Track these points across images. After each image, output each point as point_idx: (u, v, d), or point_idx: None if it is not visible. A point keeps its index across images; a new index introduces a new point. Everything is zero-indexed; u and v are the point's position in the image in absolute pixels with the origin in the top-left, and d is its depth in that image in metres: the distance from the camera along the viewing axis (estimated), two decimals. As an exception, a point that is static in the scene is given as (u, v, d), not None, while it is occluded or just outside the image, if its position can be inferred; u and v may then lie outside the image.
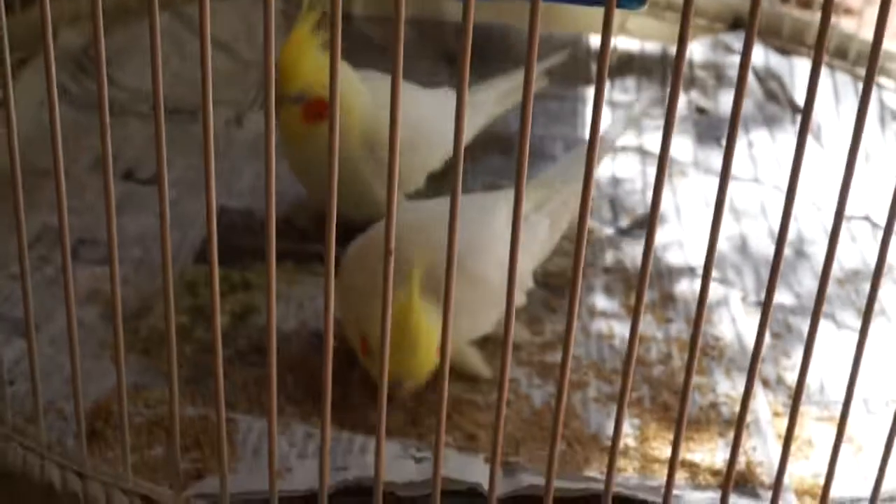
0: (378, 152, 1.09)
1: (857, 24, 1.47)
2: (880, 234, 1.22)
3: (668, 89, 0.55)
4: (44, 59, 0.64)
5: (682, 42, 0.59)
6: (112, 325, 0.98)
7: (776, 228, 1.23)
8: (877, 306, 1.08)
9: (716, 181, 1.43)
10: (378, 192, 1.10)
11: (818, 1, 1.50)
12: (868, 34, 1.48)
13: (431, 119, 1.15)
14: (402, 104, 0.59)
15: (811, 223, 1.23)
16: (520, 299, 0.98)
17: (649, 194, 1.29)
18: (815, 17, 1.50)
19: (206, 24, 0.61)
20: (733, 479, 0.71)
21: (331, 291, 0.64)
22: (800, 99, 1.46)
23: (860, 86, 1.47)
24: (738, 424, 0.70)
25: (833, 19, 1.57)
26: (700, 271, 1.14)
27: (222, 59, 1.45)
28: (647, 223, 1.25)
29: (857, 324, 1.05)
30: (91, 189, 1.20)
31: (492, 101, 1.28)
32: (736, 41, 1.55)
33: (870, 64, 0.61)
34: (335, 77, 0.59)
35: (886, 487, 0.77)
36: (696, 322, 0.66)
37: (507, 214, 0.94)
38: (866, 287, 1.13)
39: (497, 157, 1.35)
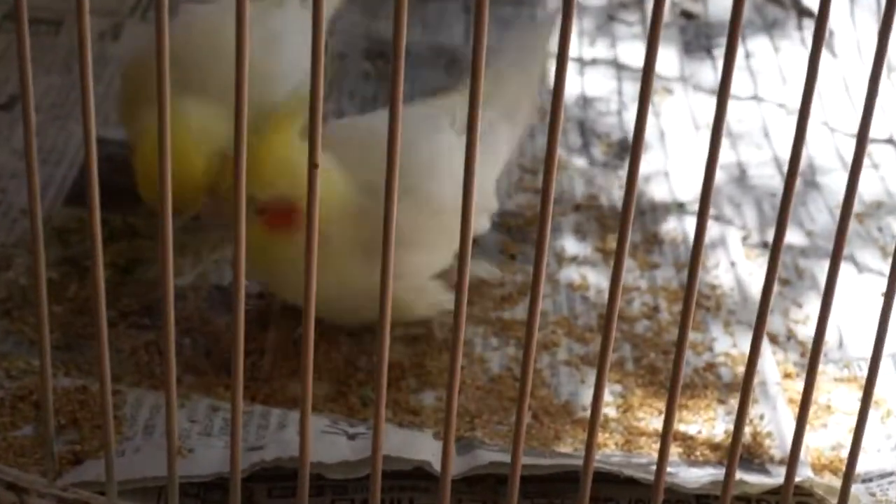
0: None
1: None
2: (907, 159, 1.24)
3: None
4: None
5: None
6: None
7: (781, 154, 1.25)
8: (901, 244, 1.10)
9: (706, 99, 1.46)
10: None
11: None
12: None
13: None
14: None
15: (823, 148, 1.24)
16: (482, 225, 0.97)
17: (626, 116, 1.29)
18: None
19: None
20: (738, 452, 0.72)
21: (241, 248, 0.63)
22: (808, 1, 1.46)
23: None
24: (745, 388, 0.70)
25: None
26: (690, 207, 1.16)
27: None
28: (627, 151, 1.26)
29: (882, 265, 1.08)
30: (-71, 117, 1.18)
31: None
32: (728, -71, 1.55)
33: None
34: None
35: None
36: (692, 268, 0.66)
37: (457, 122, 0.94)
38: (891, 221, 1.15)
39: (440, 73, 1.35)
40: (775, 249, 0.68)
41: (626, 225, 0.67)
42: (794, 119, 1.26)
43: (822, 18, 0.62)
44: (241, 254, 0.64)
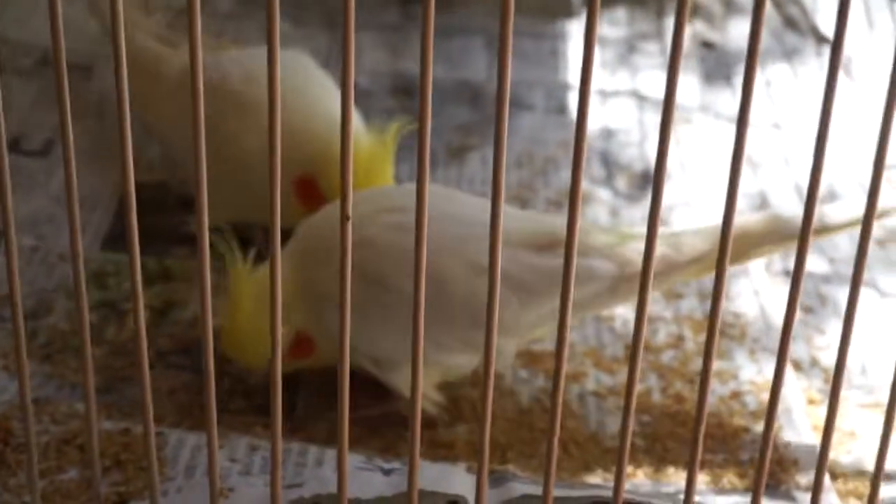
0: None
1: (890, -66, 1.50)
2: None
3: (667, 20, 0.56)
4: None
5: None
6: (7, 328, 1.00)
7: (801, 181, 1.27)
8: (926, 268, 1.11)
9: (727, 127, 1.47)
10: None
11: None
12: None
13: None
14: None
15: (843, 173, 1.26)
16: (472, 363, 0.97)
17: (648, 146, 1.31)
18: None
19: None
20: (764, 479, 0.73)
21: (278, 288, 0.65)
22: (825, 26, 1.48)
23: (898, 7, 1.51)
24: (769, 416, 0.71)
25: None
26: (714, 235, 1.18)
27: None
28: (649, 182, 1.28)
29: (904, 290, 1.09)
30: (-32, 164, 1.20)
31: None
32: (746, -41, 1.57)
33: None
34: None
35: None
36: (715, 296, 0.68)
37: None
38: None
39: (464, 109, 1.37)
40: (796, 278, 0.70)
41: (649, 259, 0.68)
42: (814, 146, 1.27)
43: (837, 46, 0.64)
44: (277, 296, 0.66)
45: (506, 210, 0.97)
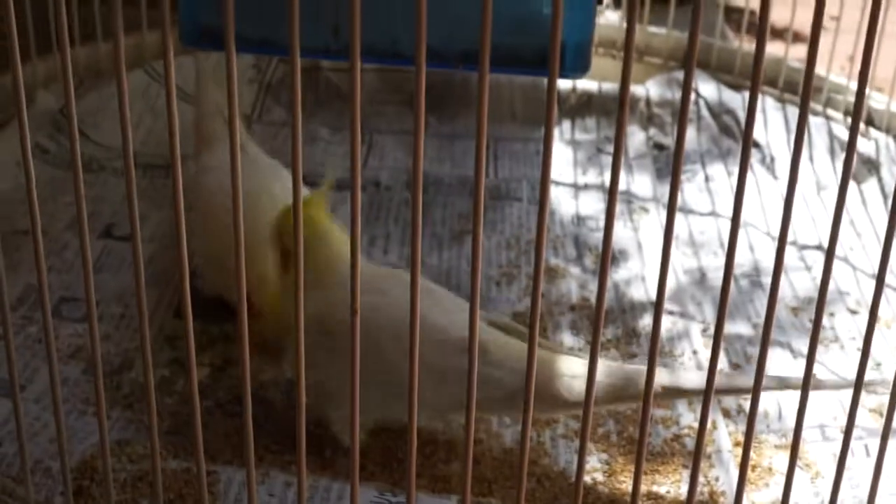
0: None
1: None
2: (834, 263, 1.25)
3: (628, 127, 0.58)
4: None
5: (626, 72, 0.60)
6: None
7: (736, 261, 1.27)
8: (830, 334, 1.12)
9: (677, 217, 1.47)
10: None
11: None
12: (819, 68, 1.53)
13: None
14: None
15: (767, 254, 1.26)
16: None
17: (613, 231, 1.32)
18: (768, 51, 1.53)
19: (171, 78, 0.61)
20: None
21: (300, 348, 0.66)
22: (755, 133, 1.49)
23: (813, 119, 1.52)
24: (696, 454, 0.72)
25: (782, 52, 1.61)
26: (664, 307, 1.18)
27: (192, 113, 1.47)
28: (614, 261, 1.28)
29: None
30: (71, 247, 1.22)
31: None
32: (690, 78, 1.58)
33: (804, 87, 0.62)
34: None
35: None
36: (651, 352, 0.69)
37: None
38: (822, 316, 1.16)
39: (465, 200, 1.38)
40: (717, 338, 0.70)
41: (598, 321, 0.68)
42: (745, 231, 1.29)
43: (746, 141, 0.64)
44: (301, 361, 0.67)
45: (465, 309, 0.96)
